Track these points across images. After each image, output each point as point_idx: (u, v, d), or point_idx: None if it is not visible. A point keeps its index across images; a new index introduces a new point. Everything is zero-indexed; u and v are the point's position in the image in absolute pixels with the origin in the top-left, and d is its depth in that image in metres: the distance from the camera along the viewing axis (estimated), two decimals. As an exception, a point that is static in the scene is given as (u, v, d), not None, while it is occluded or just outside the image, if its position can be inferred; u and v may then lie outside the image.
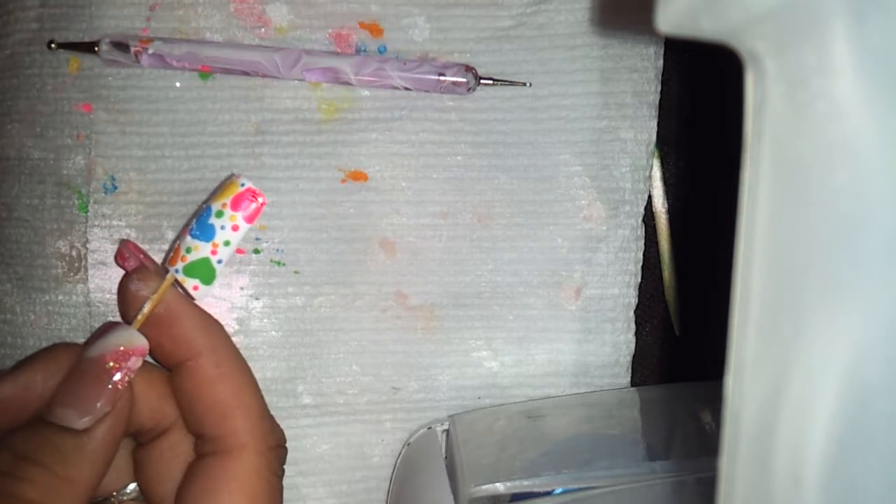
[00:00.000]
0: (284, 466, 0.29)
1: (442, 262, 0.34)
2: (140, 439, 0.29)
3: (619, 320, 0.34)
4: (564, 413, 0.33)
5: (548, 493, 0.28)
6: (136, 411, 0.27)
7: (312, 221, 0.34)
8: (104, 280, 0.33)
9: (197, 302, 0.29)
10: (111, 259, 0.33)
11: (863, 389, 0.15)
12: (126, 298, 0.28)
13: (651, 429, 0.32)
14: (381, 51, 0.34)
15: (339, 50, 0.34)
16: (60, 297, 0.33)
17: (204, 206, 0.29)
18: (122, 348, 0.26)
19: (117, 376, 0.26)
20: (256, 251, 0.34)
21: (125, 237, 0.33)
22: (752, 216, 0.16)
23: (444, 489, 0.30)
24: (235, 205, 0.28)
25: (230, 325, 0.33)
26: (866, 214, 0.14)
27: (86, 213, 0.33)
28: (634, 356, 0.35)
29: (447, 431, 0.33)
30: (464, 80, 0.33)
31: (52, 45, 0.33)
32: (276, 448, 0.28)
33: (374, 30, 0.34)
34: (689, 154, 0.37)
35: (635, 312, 0.35)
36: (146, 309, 0.27)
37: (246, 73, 0.33)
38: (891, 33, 0.14)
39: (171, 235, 0.33)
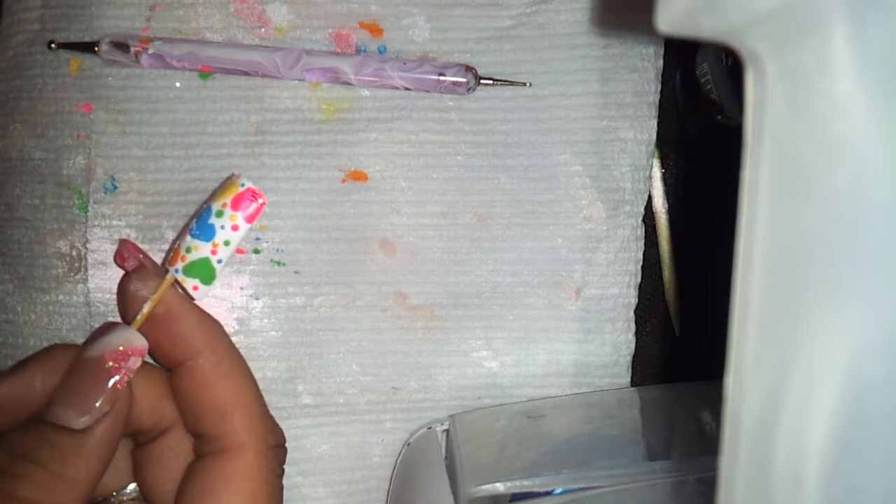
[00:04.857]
0: (284, 466, 0.29)
1: (442, 262, 0.34)
2: (139, 439, 0.29)
3: (619, 320, 0.34)
4: (564, 413, 0.33)
5: (548, 493, 0.28)
6: (135, 411, 0.27)
7: (312, 221, 0.34)
8: (104, 280, 0.33)
9: (197, 302, 0.29)
10: (111, 259, 0.33)
11: (863, 389, 0.15)
12: (125, 298, 0.28)
13: (651, 429, 0.32)
14: (381, 51, 0.34)
15: (339, 50, 0.34)
16: (61, 297, 0.33)
17: (204, 206, 0.29)
18: (121, 348, 0.26)
19: (116, 376, 0.26)
20: (256, 251, 0.34)
21: (125, 237, 0.33)
22: (752, 216, 0.16)
23: (444, 489, 0.30)
24: (235, 204, 0.28)
25: (230, 325, 0.33)
26: (866, 214, 0.14)
27: (86, 213, 0.33)
28: (634, 356, 0.35)
29: (447, 431, 0.33)
30: (464, 80, 0.33)
31: (52, 46, 0.33)
32: (275, 447, 0.28)
33: (374, 30, 0.34)
34: (689, 154, 0.37)
35: (635, 312, 0.35)
36: (146, 309, 0.27)
37: (246, 73, 0.33)
38: (891, 33, 0.14)
39: (170, 235, 0.33)
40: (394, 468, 0.34)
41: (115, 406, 0.26)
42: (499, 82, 0.33)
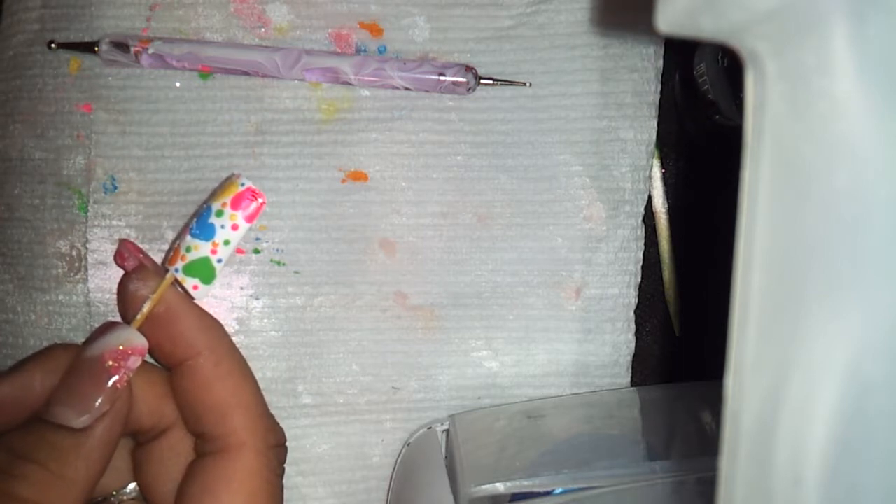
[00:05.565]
0: (284, 466, 0.29)
1: (442, 262, 0.34)
2: (139, 439, 0.29)
3: (619, 320, 0.34)
4: (564, 413, 0.33)
5: (548, 493, 0.28)
6: (135, 411, 0.27)
7: (312, 221, 0.34)
8: (104, 280, 0.33)
9: (196, 301, 0.29)
10: (111, 259, 0.33)
11: (863, 389, 0.15)
12: (125, 298, 0.28)
13: (651, 429, 0.32)
14: (381, 51, 0.34)
15: (339, 50, 0.34)
16: (61, 297, 0.33)
17: (204, 205, 0.29)
18: (121, 347, 0.26)
19: (116, 375, 0.26)
20: (256, 251, 0.34)
21: (125, 237, 0.33)
22: (752, 216, 0.16)
23: (444, 489, 0.30)
24: (235, 204, 0.28)
25: (230, 325, 0.33)
26: (866, 214, 0.14)
27: (86, 213, 0.33)
28: (634, 356, 0.35)
29: (447, 431, 0.33)
30: (464, 80, 0.33)
31: (52, 46, 0.33)
32: (275, 447, 0.28)
33: (374, 30, 0.34)
34: (689, 154, 0.37)
35: (635, 312, 0.35)
36: (145, 308, 0.27)
37: (246, 73, 0.33)
38: (891, 33, 0.14)
39: (170, 235, 0.33)
40: (394, 468, 0.34)
41: (114, 405, 0.26)
42: (499, 82, 0.33)
